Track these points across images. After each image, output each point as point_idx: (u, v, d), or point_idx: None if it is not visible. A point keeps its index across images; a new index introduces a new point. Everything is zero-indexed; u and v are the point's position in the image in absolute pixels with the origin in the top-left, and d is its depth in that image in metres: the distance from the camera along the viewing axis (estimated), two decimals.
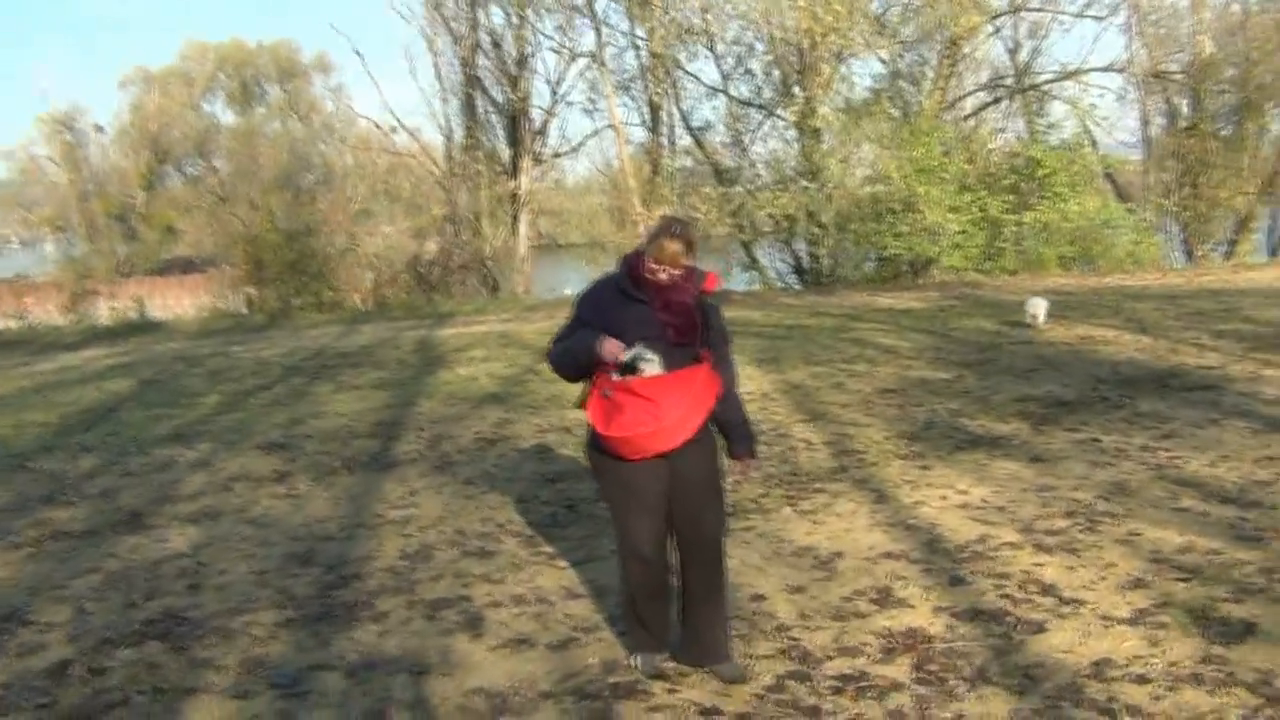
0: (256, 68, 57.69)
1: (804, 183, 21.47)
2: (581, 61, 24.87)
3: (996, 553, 5.04)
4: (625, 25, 24.34)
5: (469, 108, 25.07)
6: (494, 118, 25.61)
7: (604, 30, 24.54)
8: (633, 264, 3.81)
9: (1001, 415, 7.94)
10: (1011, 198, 21.58)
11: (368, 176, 30.89)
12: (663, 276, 3.71)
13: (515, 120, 25.03)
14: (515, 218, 25.19)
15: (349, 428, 8.62)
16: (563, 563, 5.20)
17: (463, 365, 12.03)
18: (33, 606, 4.90)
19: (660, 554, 3.85)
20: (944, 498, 5.96)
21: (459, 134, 25.45)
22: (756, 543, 5.37)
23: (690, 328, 3.77)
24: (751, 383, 9.70)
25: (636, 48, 24.35)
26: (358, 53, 66.48)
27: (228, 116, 56.99)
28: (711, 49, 23.44)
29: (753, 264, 24.93)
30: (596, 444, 3.78)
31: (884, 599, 4.54)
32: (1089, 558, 4.91)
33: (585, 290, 3.94)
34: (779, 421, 8.08)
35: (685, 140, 25.37)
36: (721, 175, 24.77)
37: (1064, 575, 4.71)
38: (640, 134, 25.68)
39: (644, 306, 3.72)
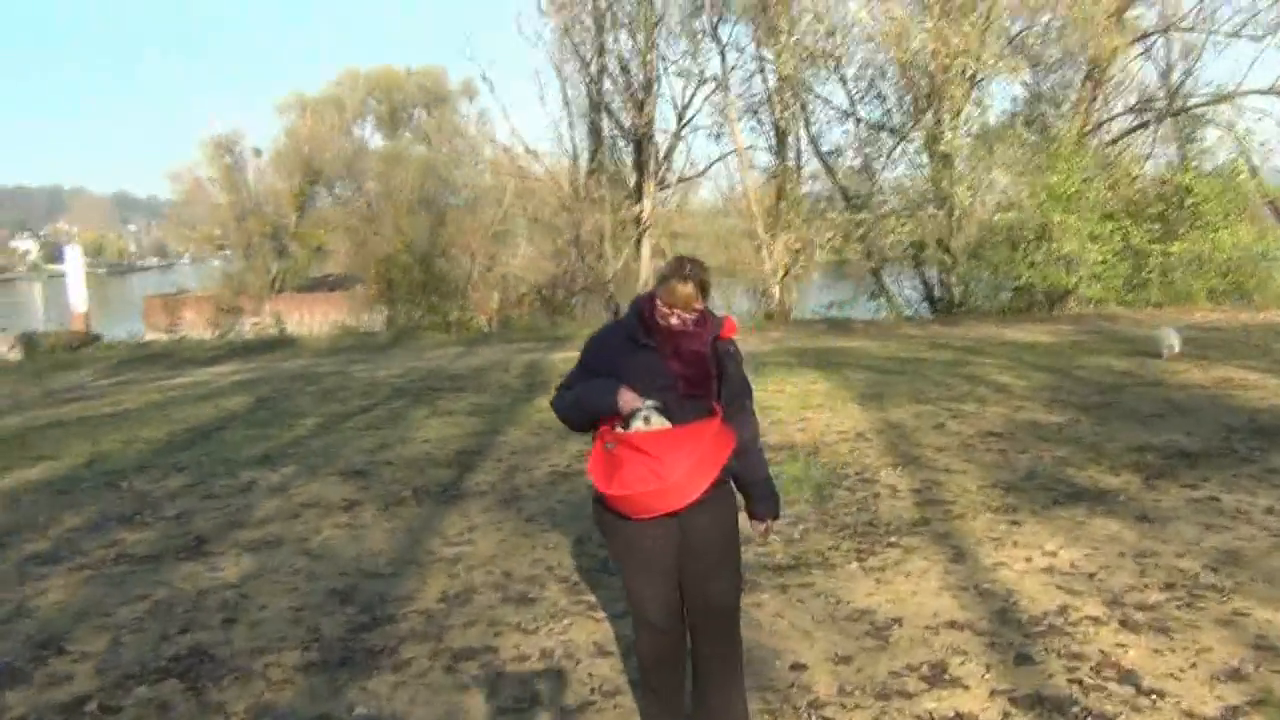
0: (405, 93, 59.64)
1: (931, 209, 20.72)
2: (707, 86, 24.68)
3: (1075, 628, 4.53)
4: (752, 49, 24.01)
5: (595, 132, 25.19)
6: (620, 142, 25.65)
7: (730, 54, 24.33)
8: (642, 308, 3.48)
9: (1113, 466, 7.30)
10: (1158, 227, 20.37)
11: (502, 200, 31.40)
12: (674, 321, 3.41)
13: (640, 144, 25.01)
14: (638, 241, 25.13)
15: (430, 455, 8.55)
16: (601, 614, 4.93)
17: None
18: (74, 634, 4.90)
19: (671, 621, 3.52)
20: (1029, 559, 5.45)
21: (585, 158, 25.56)
22: (811, 602, 4.98)
23: (703, 378, 3.46)
24: (848, 420, 9.26)
25: (763, 71, 24.00)
26: (485, 78, 67.95)
27: (376, 140, 59.09)
28: (839, 73, 22.92)
29: (881, 291, 24.20)
30: (601, 500, 3.49)
31: (937, 677, 4.11)
32: (1182, 639, 4.36)
33: (593, 335, 3.64)
34: (866, 465, 7.62)
35: (812, 165, 24.81)
36: (850, 200, 24.18)
37: (1148, 659, 4.19)
38: (766, 158, 25.34)
39: (653, 354, 3.42)
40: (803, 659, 4.34)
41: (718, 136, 25.34)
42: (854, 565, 5.48)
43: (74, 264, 37.91)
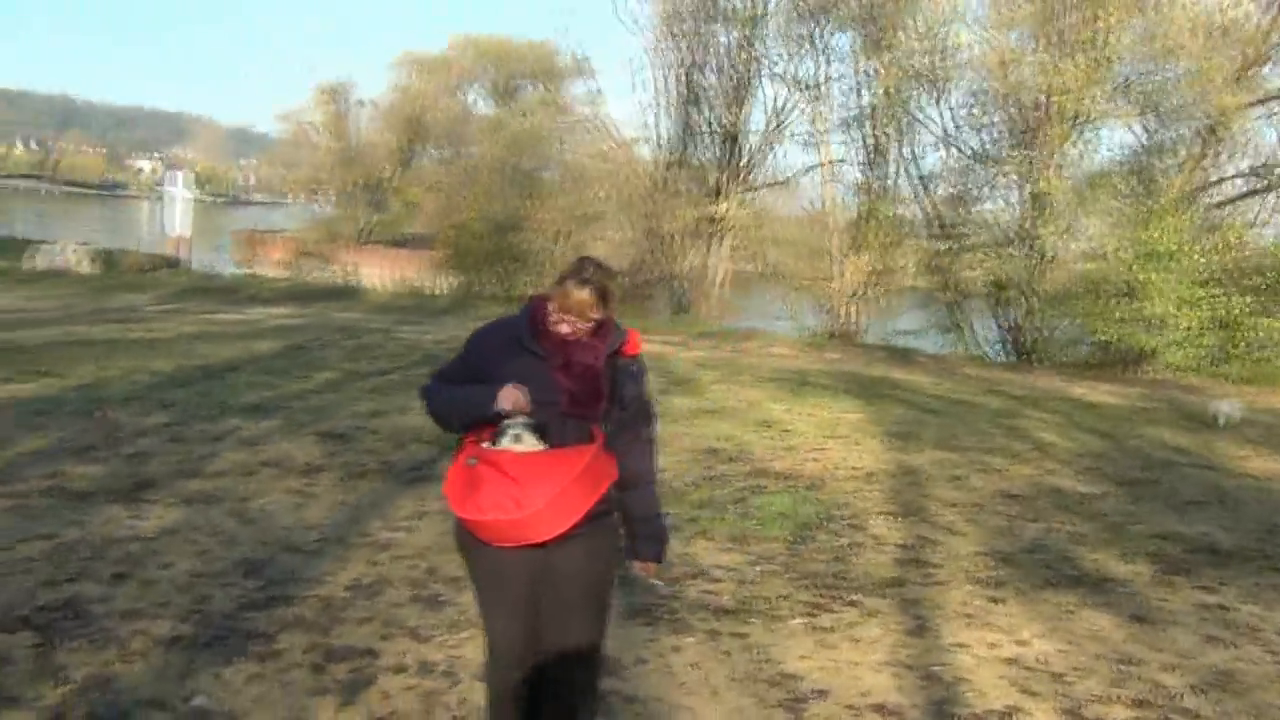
0: (515, 65, 59.82)
1: (1011, 250, 19.85)
2: (804, 93, 24.03)
3: None
4: (855, 61, 23.29)
5: (684, 125, 24.76)
6: (708, 139, 25.17)
7: (831, 64, 23.66)
8: (534, 310, 3.11)
9: (1127, 553, 6.66)
10: (1257, 300, 19.20)
11: (587, 181, 31.14)
12: (564, 328, 3.02)
13: (728, 144, 24.51)
14: (714, 240, 24.65)
15: (419, 430, 8.24)
16: None
17: None
18: None
19: (523, 659, 3.12)
20: (994, 646, 4.90)
21: (670, 151, 25.14)
22: (737, 656, 4.52)
23: (591, 396, 3.05)
24: (866, 457, 8.72)
25: (863, 86, 23.28)
26: (577, 57, 67.57)
27: (482, 107, 59.35)
28: (942, 96, 22.09)
29: (955, 327, 23.30)
30: (456, 523, 3.07)
31: None
32: None
33: (479, 329, 3.24)
34: (863, 509, 7.09)
35: (903, 187, 24.01)
36: (941, 228, 23.36)
37: None
38: (855, 175, 24.61)
39: (540, 362, 3.03)
40: None
41: (808, 146, 24.74)
42: (800, 620, 4.99)
43: (177, 189, 38.78)
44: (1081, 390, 15.50)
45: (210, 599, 4.56)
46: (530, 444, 2.92)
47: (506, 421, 2.92)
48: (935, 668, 4.58)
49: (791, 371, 14.24)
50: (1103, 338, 19.38)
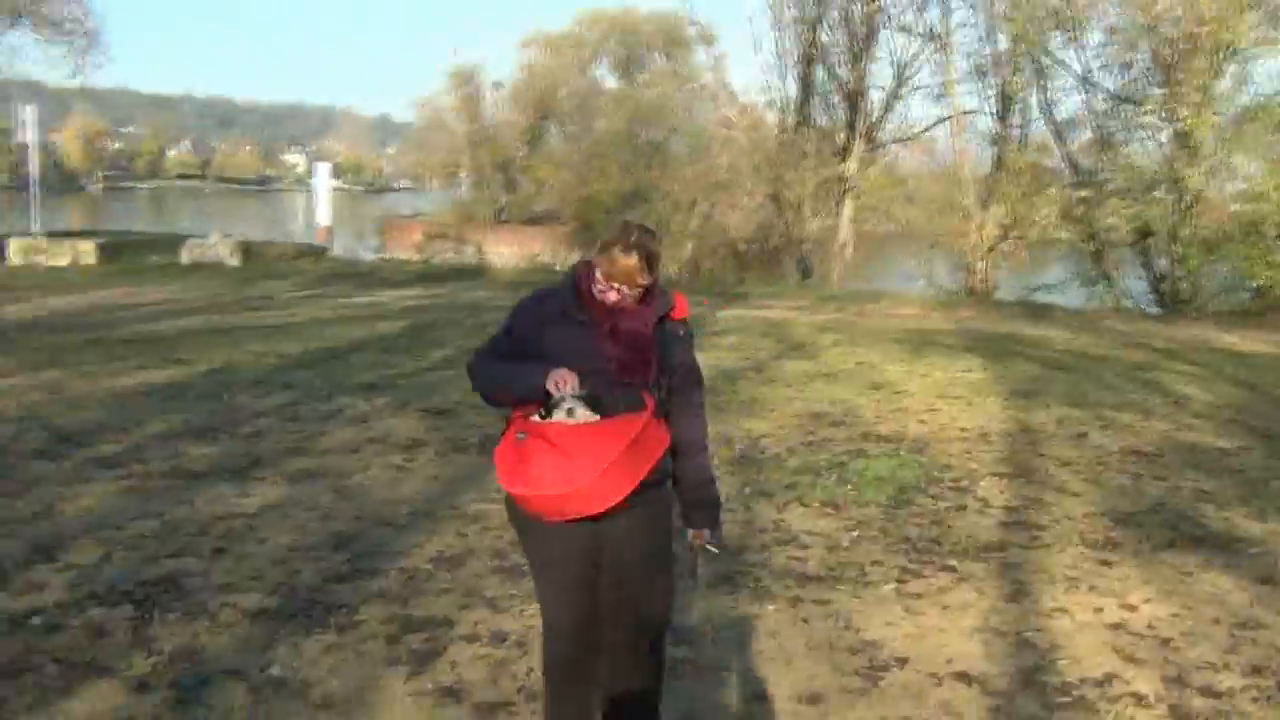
0: (641, 36, 59.65)
1: (1157, 193, 18.74)
2: (931, 44, 23.20)
3: (1110, 705, 3.77)
4: (981, 6, 22.32)
5: (806, 85, 24.27)
6: (833, 97, 24.59)
7: (956, 10, 22.75)
8: (580, 277, 3.02)
9: (1264, 510, 6.21)
10: None
11: (715, 150, 30.89)
12: (612, 296, 2.94)
13: (853, 100, 23.89)
14: (841, 202, 24.12)
15: None
16: None
17: (702, 349, 11.44)
18: (75, 544, 4.96)
19: (582, 637, 3.06)
20: (1099, 610, 4.64)
21: (794, 112, 24.67)
22: (817, 624, 4.40)
23: (641, 364, 2.95)
24: (980, 417, 8.40)
25: (992, 31, 22.31)
26: (701, 25, 66.63)
27: (611, 81, 59.47)
28: (1076, 35, 20.96)
29: (1103, 278, 22.16)
30: (509, 500, 3.00)
31: None
32: None
33: (525, 299, 3.13)
34: (971, 471, 6.82)
35: (1038, 134, 22.97)
36: (1080, 176, 22.29)
37: None
38: (985, 124, 23.66)
39: (586, 331, 2.94)
40: (767, 689, 3.80)
41: (938, 98, 23.91)
42: (890, 587, 4.83)
43: (322, 180, 40.19)
44: (1232, 340, 14.56)
45: (299, 573, 4.70)
46: (583, 416, 2.84)
47: (558, 395, 2.83)
48: (1029, 634, 4.37)
49: (914, 332, 13.82)
50: (1261, 283, 18.16)
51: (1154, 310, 20.31)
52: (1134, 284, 22.45)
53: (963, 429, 7.98)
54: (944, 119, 24.02)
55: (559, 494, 2.82)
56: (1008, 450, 7.40)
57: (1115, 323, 16.74)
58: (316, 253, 28.38)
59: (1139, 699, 3.83)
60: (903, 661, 4.07)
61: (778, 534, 5.49)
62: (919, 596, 4.73)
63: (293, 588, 4.53)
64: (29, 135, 29.10)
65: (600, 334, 2.94)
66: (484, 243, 30.65)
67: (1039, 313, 17.68)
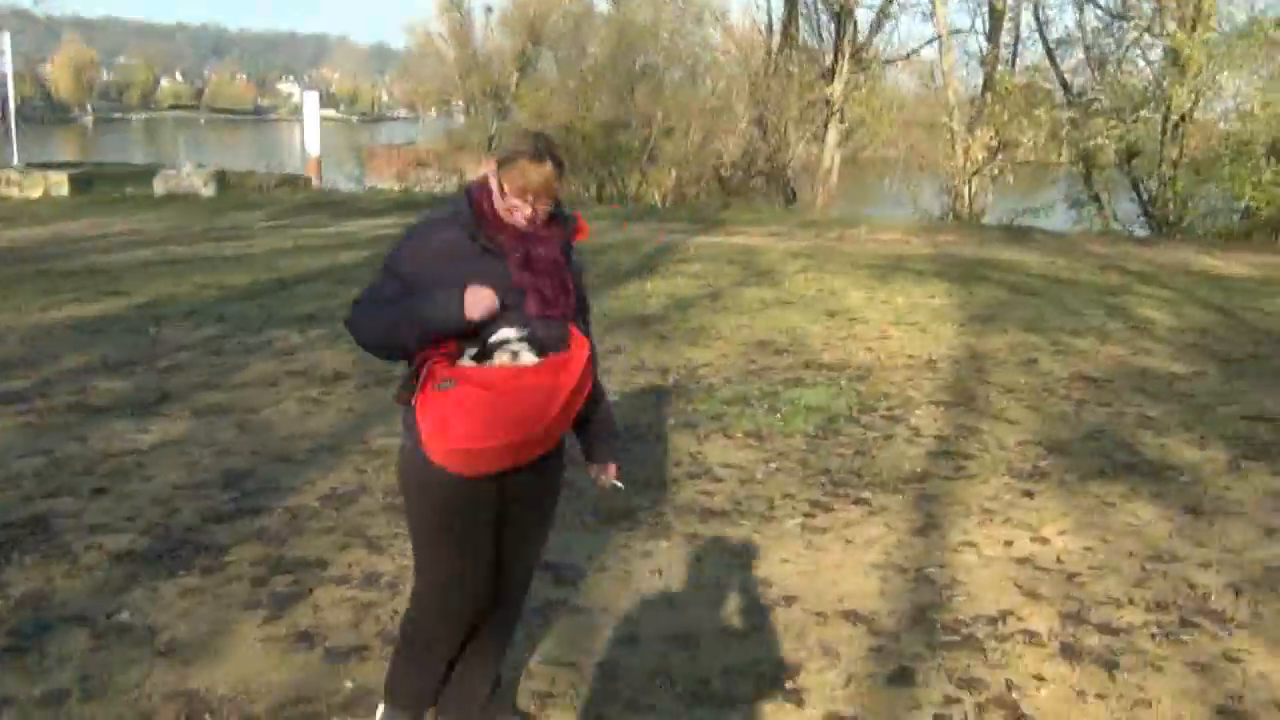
0: None
1: (1144, 112, 18.26)
2: None
3: (1000, 644, 3.60)
4: None
5: (790, 3, 23.57)
6: (820, 17, 23.95)
7: None
8: (478, 199, 2.63)
9: (1205, 437, 6.02)
10: None
11: (701, 74, 30.19)
12: (524, 216, 2.58)
13: (840, 19, 23.25)
14: (827, 126, 23.61)
15: None
16: None
17: (664, 277, 11.22)
18: None
19: (480, 596, 2.78)
20: (1009, 543, 4.46)
21: (779, 32, 24.05)
22: (709, 561, 4.22)
23: (560, 293, 2.64)
24: (931, 344, 8.18)
25: None
26: None
27: (602, 5, 58.25)
28: None
29: (1091, 200, 21.75)
30: (418, 456, 2.59)
31: (773, 683, 3.32)
32: (1124, 684, 3.38)
33: (411, 233, 2.67)
34: (909, 399, 6.61)
35: (1030, 54, 22.42)
36: (1072, 96, 21.78)
37: (1058, 705, 3.25)
38: (976, 44, 23.08)
39: (498, 261, 2.58)
40: (637, 633, 3.62)
41: (929, 17, 23.26)
42: (795, 522, 4.65)
43: (310, 110, 39.46)
44: (1214, 263, 14.24)
45: (178, 512, 4.52)
46: (527, 359, 2.56)
47: (496, 338, 2.53)
48: (931, 569, 4.19)
49: (888, 258, 13.53)
50: (1249, 204, 17.79)
51: (1143, 233, 19.96)
52: (1126, 207, 22.10)
53: (910, 356, 7.76)
54: (933, 39, 23.40)
55: (510, 442, 2.49)
56: (952, 377, 7.19)
57: (1097, 246, 16.41)
58: (298, 183, 27.96)
59: (1031, 636, 3.66)
60: (791, 600, 3.90)
61: (692, 467, 5.30)
62: (824, 531, 4.55)
63: (167, 528, 4.35)
64: (4, 64, 28.51)
65: (514, 262, 2.59)
66: (469, 171, 30.16)
67: (1020, 236, 17.34)
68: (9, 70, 29.04)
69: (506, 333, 2.54)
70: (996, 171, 22.08)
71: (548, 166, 2.55)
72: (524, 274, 2.59)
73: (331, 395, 6.38)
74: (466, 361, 2.56)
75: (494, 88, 59.94)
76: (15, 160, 26.17)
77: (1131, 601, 3.95)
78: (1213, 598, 4.00)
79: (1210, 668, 3.49)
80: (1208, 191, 19.31)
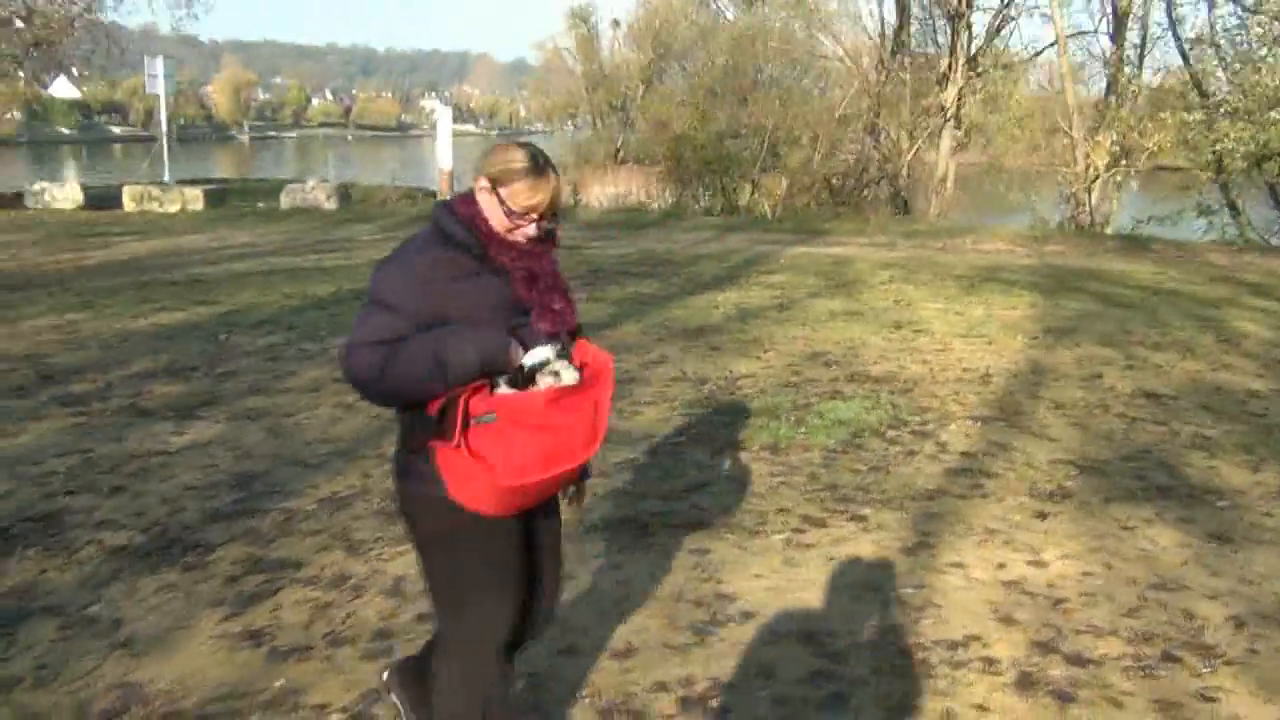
0: None
1: (1275, 113, 17.19)
2: None
3: (954, 671, 3.44)
4: None
5: (902, 8, 23.09)
6: (933, 20, 23.39)
7: None
8: (474, 218, 2.48)
9: (1263, 460, 5.63)
10: None
11: (828, 82, 29.85)
12: (521, 237, 2.48)
13: (955, 25, 22.66)
14: (939, 132, 23.03)
15: None
16: None
17: (740, 288, 11.13)
18: None
19: (511, 645, 2.68)
20: (1001, 566, 4.26)
21: (892, 38, 23.60)
22: (679, 575, 4.16)
23: (569, 310, 2.57)
24: (995, 357, 7.88)
25: None
26: None
27: (731, 13, 58.27)
28: None
29: (1228, 208, 20.57)
30: (442, 502, 2.41)
31: (697, 702, 3.25)
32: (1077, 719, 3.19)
33: (401, 262, 2.44)
34: (949, 413, 6.38)
35: (1162, 55, 21.37)
36: (1203, 99, 20.69)
37: None
38: (1099, 45, 22.16)
39: (502, 282, 2.46)
40: (577, 644, 3.60)
41: (1047, 20, 22.45)
42: (781, 537, 4.53)
43: (443, 123, 40.54)
44: None
45: (183, 511, 4.71)
46: (570, 377, 2.40)
47: (534, 360, 2.38)
48: (908, 590, 4.04)
49: (983, 269, 13.09)
50: None
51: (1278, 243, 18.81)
52: (1268, 215, 20.88)
53: (966, 369, 7.49)
54: (1053, 43, 22.57)
55: (564, 471, 2.38)
56: (1003, 392, 6.91)
57: (1220, 256, 15.53)
58: (421, 196, 28.78)
59: (989, 664, 3.49)
60: (749, 616, 3.81)
61: (696, 479, 5.23)
62: (809, 548, 4.43)
63: (166, 527, 4.54)
64: (158, 86, 30.24)
65: (518, 280, 2.48)
66: (590, 183, 30.48)
67: (1137, 246, 16.55)
68: (162, 91, 30.78)
69: (543, 353, 2.39)
70: (1120, 178, 21.16)
71: (552, 180, 2.48)
72: (530, 291, 2.49)
73: (364, 402, 6.53)
74: (504, 389, 2.38)
75: (620, 100, 60.57)
76: (166, 177, 27.71)
77: (1115, 632, 3.72)
78: (1208, 631, 3.74)
79: (1178, 706, 3.26)
80: None
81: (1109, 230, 20.41)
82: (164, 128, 30.10)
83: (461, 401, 2.35)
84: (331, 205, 23.68)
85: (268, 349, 7.89)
